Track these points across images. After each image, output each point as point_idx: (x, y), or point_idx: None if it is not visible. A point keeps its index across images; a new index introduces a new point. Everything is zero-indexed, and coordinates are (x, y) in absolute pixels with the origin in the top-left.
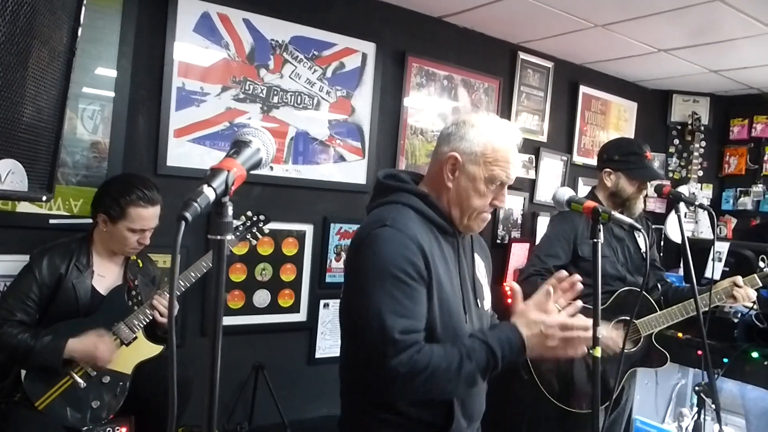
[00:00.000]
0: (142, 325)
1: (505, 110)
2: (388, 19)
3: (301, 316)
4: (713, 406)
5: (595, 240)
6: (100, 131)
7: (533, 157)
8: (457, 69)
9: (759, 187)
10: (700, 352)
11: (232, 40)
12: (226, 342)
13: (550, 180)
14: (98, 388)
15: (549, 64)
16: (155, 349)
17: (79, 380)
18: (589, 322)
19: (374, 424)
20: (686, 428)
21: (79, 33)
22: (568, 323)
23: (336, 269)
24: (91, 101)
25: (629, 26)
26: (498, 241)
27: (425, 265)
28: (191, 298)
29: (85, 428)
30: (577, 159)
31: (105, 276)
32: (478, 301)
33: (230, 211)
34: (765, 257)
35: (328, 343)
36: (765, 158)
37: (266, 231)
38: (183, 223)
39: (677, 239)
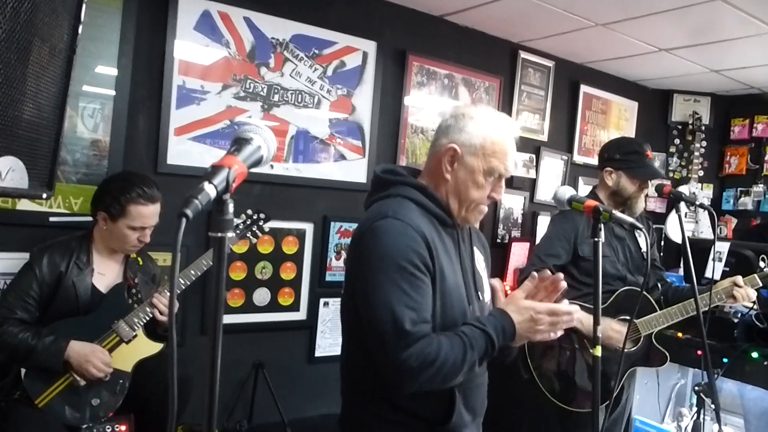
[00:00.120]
0: (142, 323)
1: (505, 109)
2: (389, 17)
3: (301, 315)
4: (713, 406)
5: (596, 239)
6: (101, 129)
7: (534, 156)
8: (457, 68)
9: (759, 187)
10: (699, 352)
11: (232, 38)
12: (226, 340)
13: (551, 179)
14: (98, 386)
15: (550, 63)
16: (155, 348)
17: (79, 378)
18: (574, 308)
19: (375, 421)
20: (685, 428)
21: (80, 31)
22: (555, 309)
23: (336, 268)
24: (92, 99)
25: (630, 25)
26: (498, 241)
27: (429, 256)
28: (191, 297)
29: (85, 426)
30: (578, 158)
31: (105, 274)
32: (479, 293)
33: (231, 208)
34: (765, 257)
35: (328, 342)
36: (766, 158)
37: (266, 229)
38: (184, 219)
39: (677, 239)
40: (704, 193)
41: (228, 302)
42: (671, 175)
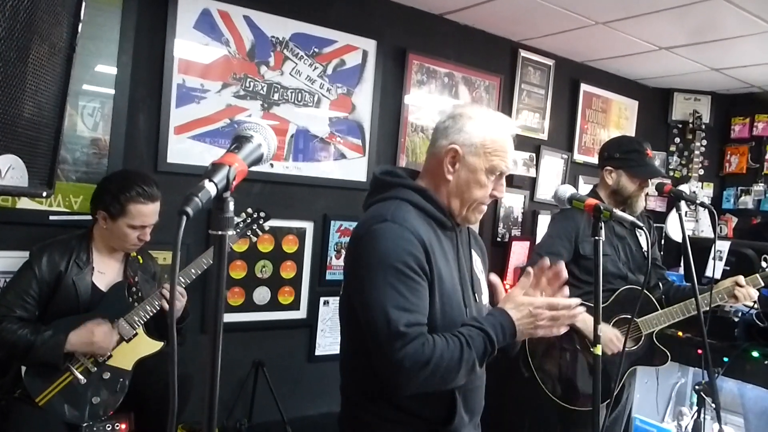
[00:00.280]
0: (142, 322)
1: (505, 108)
2: (389, 16)
3: (301, 314)
4: (713, 405)
5: (597, 238)
6: (101, 128)
7: (534, 155)
8: (457, 66)
9: (760, 186)
10: (700, 351)
11: (232, 36)
12: (226, 339)
13: (551, 178)
14: (98, 384)
15: (550, 62)
16: (155, 346)
17: (79, 376)
18: (573, 301)
19: (375, 420)
20: (686, 427)
21: (80, 29)
22: (554, 303)
23: (336, 266)
24: (92, 98)
25: (630, 24)
26: (498, 240)
27: (426, 260)
28: (191, 296)
29: (85, 424)
30: (578, 157)
31: (105, 273)
32: (476, 295)
33: (231, 206)
34: (766, 256)
35: (328, 341)
36: (766, 157)
37: (266, 228)
38: (184, 217)
39: (678, 238)
40: (705, 192)
41: (228, 301)
42: (671, 174)
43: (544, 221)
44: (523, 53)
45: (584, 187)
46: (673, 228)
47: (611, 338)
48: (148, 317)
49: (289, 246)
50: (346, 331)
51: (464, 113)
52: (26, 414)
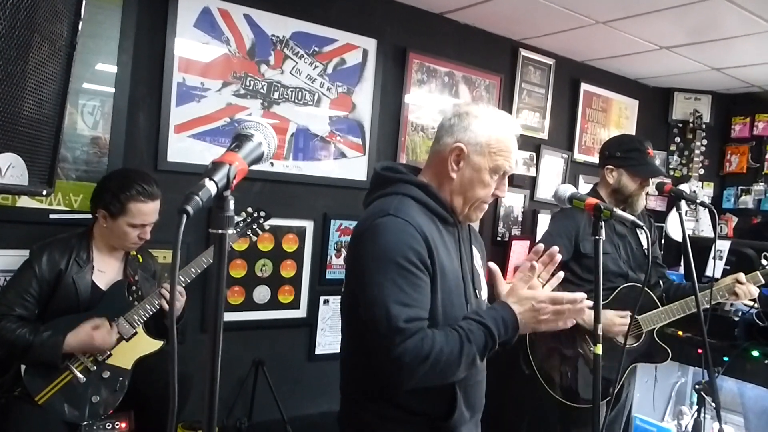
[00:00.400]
0: (142, 321)
1: (506, 107)
2: (389, 15)
3: (301, 313)
4: (713, 404)
5: (597, 237)
6: (101, 127)
7: (534, 154)
8: (458, 65)
9: (760, 186)
10: (700, 351)
11: (232, 35)
12: (226, 338)
13: (551, 177)
14: (98, 383)
15: (550, 61)
16: (155, 345)
17: (79, 375)
18: (578, 295)
19: (375, 419)
20: (686, 426)
21: (80, 27)
22: (558, 297)
23: (336, 266)
24: (92, 97)
25: (631, 23)
26: (498, 239)
27: (429, 254)
28: (191, 295)
29: (84, 423)
30: (578, 156)
31: (105, 271)
32: (477, 291)
33: (232, 205)
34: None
35: (328, 340)
36: (766, 156)
37: (266, 227)
38: (184, 216)
39: (678, 237)
40: (705, 192)
41: (228, 300)
42: (672, 173)
43: (544, 220)
44: (524, 52)
45: (584, 187)
46: (673, 227)
47: (615, 321)
48: (147, 316)
49: (289, 245)
50: (346, 330)
51: (470, 112)
52: (26, 413)
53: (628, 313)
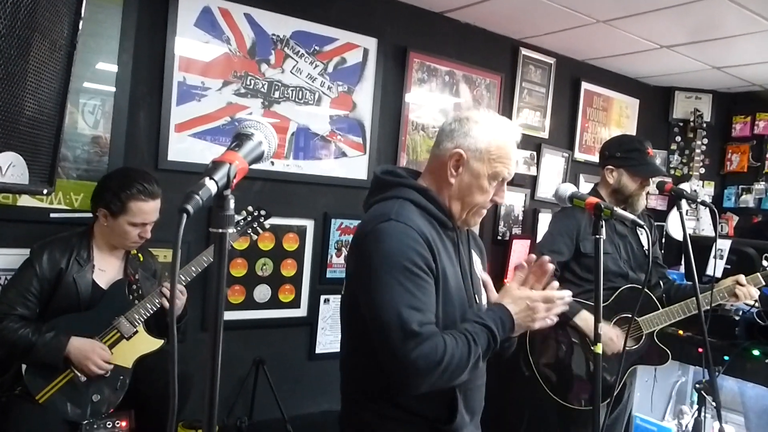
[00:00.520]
0: (143, 320)
1: (506, 106)
2: (390, 14)
3: (301, 312)
4: (713, 403)
5: (598, 236)
6: (101, 126)
7: (534, 153)
8: (458, 65)
9: (761, 185)
10: (700, 350)
11: (233, 34)
12: (227, 337)
13: (552, 177)
14: (98, 382)
15: (551, 60)
16: (156, 344)
17: (80, 374)
18: (565, 293)
19: (375, 418)
20: (686, 426)
21: (80, 27)
22: (549, 295)
23: (337, 265)
24: (92, 96)
25: (631, 22)
26: (499, 238)
27: (432, 258)
28: (192, 294)
29: (85, 422)
30: (579, 156)
31: (105, 270)
32: (476, 296)
33: (232, 204)
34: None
35: (329, 339)
36: (767, 155)
37: (267, 226)
38: (185, 215)
39: (679, 236)
40: (705, 191)
41: (228, 299)
42: (672, 172)
43: (544, 220)
44: (524, 51)
45: (585, 186)
46: (674, 227)
47: (611, 338)
48: (148, 315)
49: (290, 244)
50: (347, 330)
51: (471, 117)
52: (27, 411)
53: (628, 318)
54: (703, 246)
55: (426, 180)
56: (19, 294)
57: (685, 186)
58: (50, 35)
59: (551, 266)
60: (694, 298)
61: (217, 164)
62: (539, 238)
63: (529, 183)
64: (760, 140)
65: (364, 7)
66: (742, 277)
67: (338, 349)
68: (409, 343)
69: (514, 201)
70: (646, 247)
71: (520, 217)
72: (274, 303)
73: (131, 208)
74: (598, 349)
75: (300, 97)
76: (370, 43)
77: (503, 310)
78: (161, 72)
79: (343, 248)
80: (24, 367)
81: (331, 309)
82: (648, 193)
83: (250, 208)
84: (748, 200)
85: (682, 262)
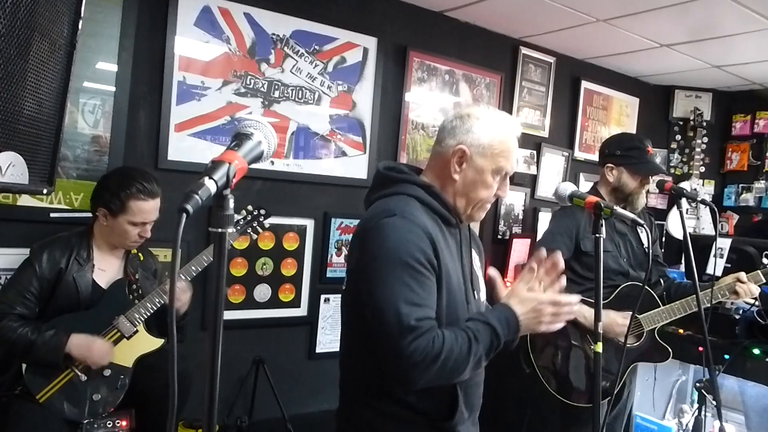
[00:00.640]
0: (143, 319)
1: (506, 105)
2: (390, 13)
3: (301, 311)
4: (714, 402)
5: (597, 235)
6: (101, 125)
7: (534, 152)
8: (458, 64)
9: (761, 183)
10: (701, 349)
11: (233, 34)
12: (227, 336)
13: (552, 176)
14: (98, 381)
15: (550, 59)
16: (156, 343)
17: (80, 374)
18: (574, 298)
19: (374, 416)
20: (686, 425)
21: (80, 26)
22: (558, 299)
23: (337, 264)
24: (92, 95)
25: (631, 21)
26: (499, 237)
27: (435, 255)
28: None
29: (85, 421)
30: (579, 155)
31: (105, 270)
32: (475, 292)
33: (231, 203)
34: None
35: (329, 338)
36: (767, 154)
37: (267, 225)
38: (184, 215)
39: (679, 235)
40: (706, 190)
41: (229, 298)
42: (672, 171)
43: (544, 218)
44: (524, 50)
45: (585, 185)
46: (674, 225)
47: (618, 321)
48: (148, 314)
49: (290, 243)
50: (347, 327)
51: (472, 113)
52: (27, 411)
53: (630, 313)
54: (703, 245)
55: (428, 177)
56: (19, 293)
57: (685, 185)
58: (50, 35)
59: (562, 264)
60: (694, 296)
61: (216, 164)
62: (539, 237)
63: (529, 182)
64: (760, 139)
65: (364, 6)
66: (742, 275)
67: (338, 349)
68: (406, 338)
69: (515, 200)
70: (646, 245)
71: (520, 216)
72: (274, 302)
73: (131, 208)
74: (599, 348)
75: (300, 96)
76: (370, 42)
77: (509, 310)
78: (161, 71)
79: (343, 247)
80: (24, 366)
81: (331, 308)
82: (648, 192)
83: (250, 208)
84: (748, 199)
85: (683, 261)
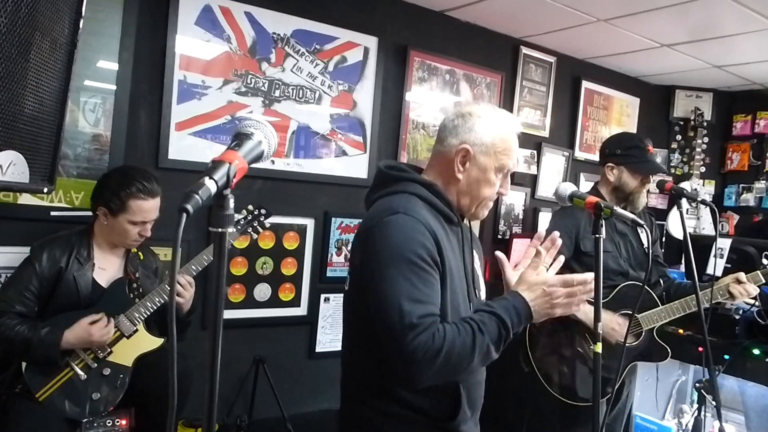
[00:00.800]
0: (143, 318)
1: (507, 105)
2: (391, 13)
3: (301, 310)
4: (714, 402)
5: (597, 235)
6: (102, 124)
7: (535, 152)
8: (459, 63)
9: (762, 184)
10: (701, 349)
11: (233, 33)
12: (227, 335)
13: (552, 175)
14: (98, 380)
15: (551, 59)
16: (156, 342)
17: (80, 372)
18: (587, 276)
19: (376, 416)
20: (686, 425)
21: (81, 25)
22: (568, 279)
23: (337, 263)
24: (93, 94)
25: (631, 21)
26: (499, 237)
27: (438, 252)
28: None
29: (85, 420)
30: (579, 154)
31: (106, 269)
32: (476, 291)
33: (232, 203)
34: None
35: (329, 338)
36: (767, 154)
37: (267, 225)
38: (184, 215)
39: (679, 235)
40: (706, 190)
41: (229, 297)
42: (673, 171)
43: (545, 218)
44: (525, 50)
45: (585, 185)
46: (674, 225)
47: (613, 327)
48: (149, 313)
49: (290, 243)
50: (349, 326)
51: (473, 112)
52: (26, 409)
53: (628, 315)
54: (703, 245)
55: (430, 176)
56: (18, 292)
57: (685, 185)
58: (51, 34)
59: (560, 241)
60: (694, 296)
61: (216, 164)
62: None
63: (530, 182)
64: (761, 139)
65: (365, 5)
66: (742, 275)
67: (338, 348)
68: (407, 335)
69: (515, 200)
70: (646, 245)
71: (521, 216)
72: (274, 302)
73: (131, 207)
74: (598, 348)
75: (300, 95)
76: (371, 41)
77: (517, 297)
78: (162, 70)
79: (344, 247)
80: (24, 365)
81: (331, 308)
82: (648, 191)
83: (250, 207)
84: (749, 199)
85: (683, 261)
